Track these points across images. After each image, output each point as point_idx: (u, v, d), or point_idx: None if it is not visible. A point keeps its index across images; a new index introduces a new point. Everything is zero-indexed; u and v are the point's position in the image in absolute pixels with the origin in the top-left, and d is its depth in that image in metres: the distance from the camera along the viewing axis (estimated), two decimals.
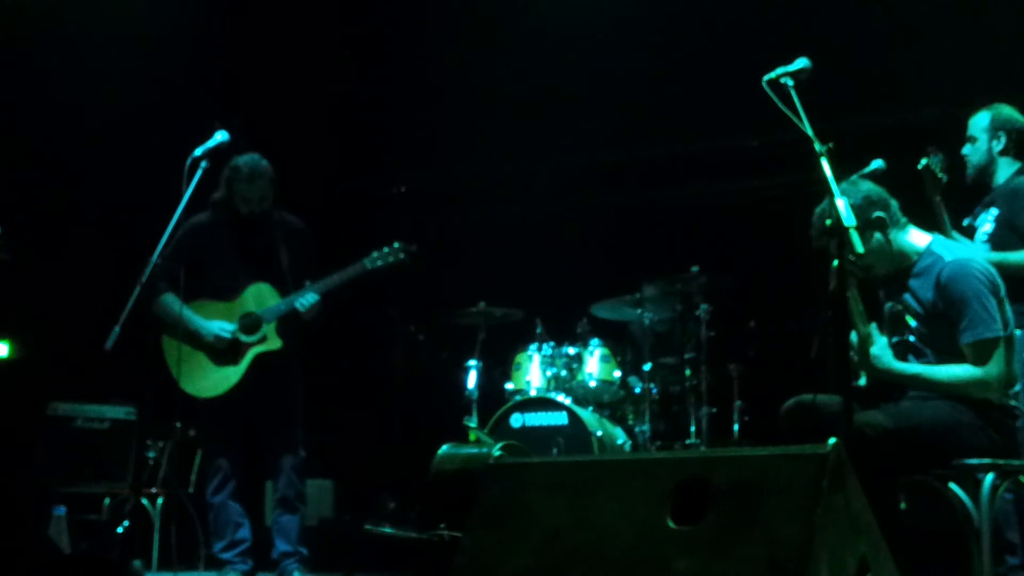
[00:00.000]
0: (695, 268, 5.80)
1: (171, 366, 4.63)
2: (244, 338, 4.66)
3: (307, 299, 4.63)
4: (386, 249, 4.78)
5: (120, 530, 4.21)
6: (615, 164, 7.29)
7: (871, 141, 4.38)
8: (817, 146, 3.19)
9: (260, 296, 4.70)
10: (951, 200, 4.27)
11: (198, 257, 4.74)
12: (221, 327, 4.66)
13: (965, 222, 4.34)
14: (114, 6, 6.36)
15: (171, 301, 4.63)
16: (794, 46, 3.47)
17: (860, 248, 3.03)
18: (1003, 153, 4.33)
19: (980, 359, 3.32)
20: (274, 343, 4.66)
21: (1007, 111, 4.37)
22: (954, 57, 5.82)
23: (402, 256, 4.78)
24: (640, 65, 6.64)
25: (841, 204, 3.08)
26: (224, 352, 4.67)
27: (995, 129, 4.33)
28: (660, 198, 7.17)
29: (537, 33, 6.71)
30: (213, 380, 4.66)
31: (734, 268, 5.98)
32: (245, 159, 4.69)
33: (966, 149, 4.40)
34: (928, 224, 3.75)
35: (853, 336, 3.43)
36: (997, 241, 4.15)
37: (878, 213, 3.49)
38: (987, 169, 4.36)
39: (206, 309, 4.72)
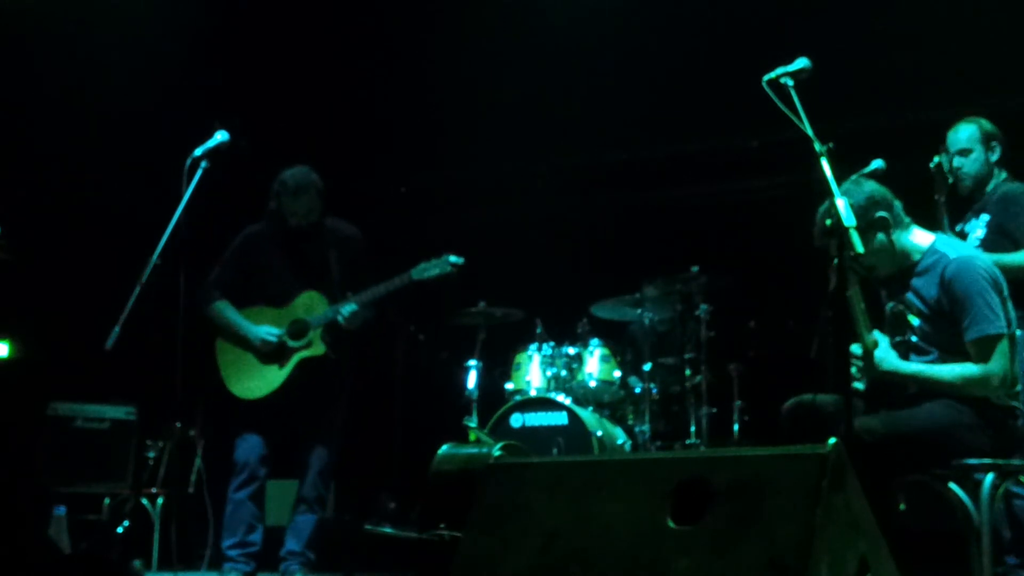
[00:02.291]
0: (695, 268, 5.80)
1: (222, 369, 4.79)
2: (290, 343, 4.74)
3: (346, 309, 4.69)
4: (434, 260, 4.79)
5: (120, 530, 4.22)
6: (615, 164, 7.28)
7: (871, 141, 4.38)
8: (817, 146, 3.19)
9: (311, 304, 4.78)
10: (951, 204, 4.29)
11: (252, 266, 4.86)
12: (268, 331, 4.75)
13: (957, 227, 4.36)
14: (114, 6, 6.36)
15: (224, 308, 4.79)
16: (794, 46, 3.47)
17: (860, 248, 3.03)
18: (998, 163, 4.38)
19: (983, 356, 3.32)
20: (318, 349, 4.73)
21: (986, 123, 4.43)
22: (954, 57, 5.82)
23: (449, 268, 4.79)
24: (640, 65, 6.64)
25: (841, 204, 3.08)
26: (271, 355, 4.76)
27: (988, 140, 4.38)
28: (660, 198, 7.17)
29: (537, 33, 6.71)
30: (258, 382, 4.75)
31: (734, 268, 5.98)
32: (291, 172, 4.77)
33: (958, 161, 4.40)
34: (926, 225, 3.75)
35: (855, 348, 3.43)
36: (989, 247, 4.17)
37: (881, 213, 3.49)
38: (984, 179, 4.39)
39: (259, 316, 4.82)
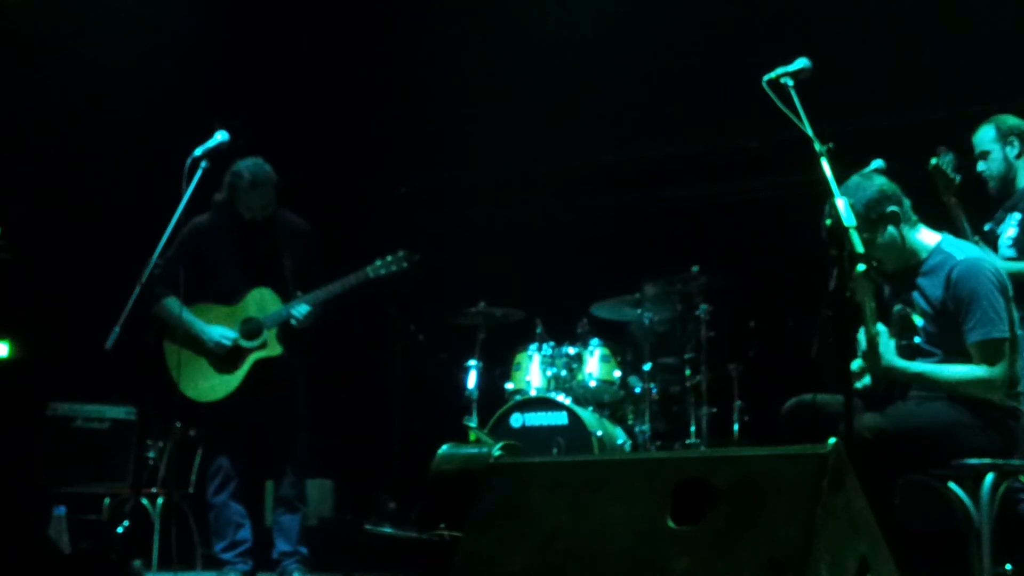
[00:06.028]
0: (695, 268, 5.80)
1: (172, 369, 4.63)
2: (245, 344, 4.65)
3: (299, 310, 4.61)
4: (389, 257, 4.74)
5: (120, 530, 4.21)
6: (615, 164, 7.29)
7: (871, 141, 4.38)
8: (817, 146, 3.19)
9: (263, 301, 4.69)
10: (970, 206, 4.21)
11: (200, 260, 4.72)
12: (222, 333, 4.65)
13: (987, 227, 4.28)
14: (115, 6, 6.36)
15: (172, 304, 4.60)
16: (794, 46, 3.47)
17: (860, 248, 3.02)
18: (1020, 156, 4.29)
19: (987, 359, 3.32)
20: (274, 349, 4.66)
21: (1010, 118, 4.34)
22: (954, 57, 5.82)
23: (405, 265, 4.75)
24: (640, 65, 6.64)
25: (841, 204, 3.08)
26: (225, 358, 4.66)
27: (1005, 136, 4.29)
28: (660, 198, 7.17)
29: (537, 33, 6.72)
30: (213, 384, 4.66)
31: (734, 268, 5.98)
32: (247, 165, 4.63)
33: (981, 166, 4.33)
34: (938, 226, 3.73)
35: (861, 334, 3.43)
36: (1021, 246, 4.11)
37: (892, 207, 3.49)
38: (1007, 176, 4.30)
39: (208, 313, 4.70)
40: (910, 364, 3.44)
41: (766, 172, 6.66)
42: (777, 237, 6.21)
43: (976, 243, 4.01)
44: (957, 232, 3.96)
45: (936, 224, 3.68)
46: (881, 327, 3.48)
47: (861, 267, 3.00)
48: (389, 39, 7.17)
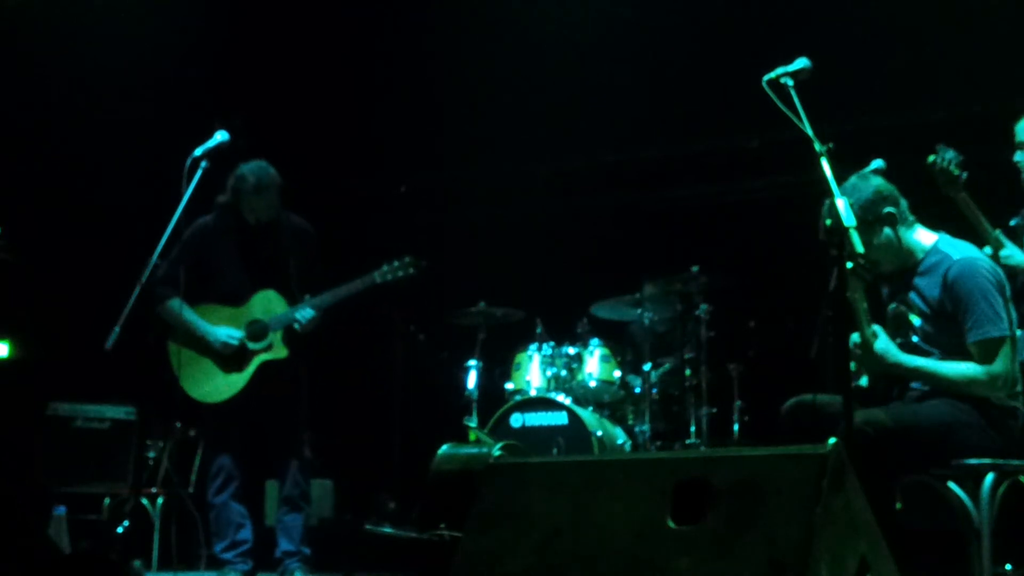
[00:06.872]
0: (695, 268, 5.80)
1: (176, 370, 4.65)
2: (251, 345, 4.66)
3: (304, 315, 4.61)
4: (396, 263, 4.75)
5: (120, 530, 4.22)
6: (615, 164, 7.29)
7: (871, 141, 4.38)
8: (817, 146, 3.19)
9: (267, 303, 4.70)
10: (989, 203, 4.15)
11: (204, 261, 4.73)
12: (228, 334, 4.65)
13: (1013, 222, 4.21)
14: (115, 6, 6.36)
15: (175, 305, 4.62)
16: (794, 46, 3.47)
17: (860, 248, 3.02)
18: None
19: (986, 358, 3.32)
20: (280, 352, 4.66)
21: None
22: (954, 57, 5.82)
23: (412, 271, 4.76)
24: (640, 65, 6.64)
25: (841, 204, 3.08)
26: (230, 358, 4.66)
27: None
28: (660, 198, 7.17)
29: (537, 33, 6.72)
30: (218, 386, 4.66)
31: (734, 268, 5.98)
32: (252, 168, 4.63)
33: (1018, 156, 4.21)
34: (939, 226, 3.72)
35: (855, 336, 3.43)
36: None
37: (888, 209, 3.49)
38: None
39: (213, 314, 4.71)
40: (912, 359, 3.44)
41: (766, 172, 6.66)
42: (777, 237, 6.21)
43: (996, 238, 3.99)
44: (973, 228, 3.93)
45: (937, 223, 3.67)
46: (878, 328, 3.48)
47: (850, 264, 3.00)
48: (389, 39, 7.16)
